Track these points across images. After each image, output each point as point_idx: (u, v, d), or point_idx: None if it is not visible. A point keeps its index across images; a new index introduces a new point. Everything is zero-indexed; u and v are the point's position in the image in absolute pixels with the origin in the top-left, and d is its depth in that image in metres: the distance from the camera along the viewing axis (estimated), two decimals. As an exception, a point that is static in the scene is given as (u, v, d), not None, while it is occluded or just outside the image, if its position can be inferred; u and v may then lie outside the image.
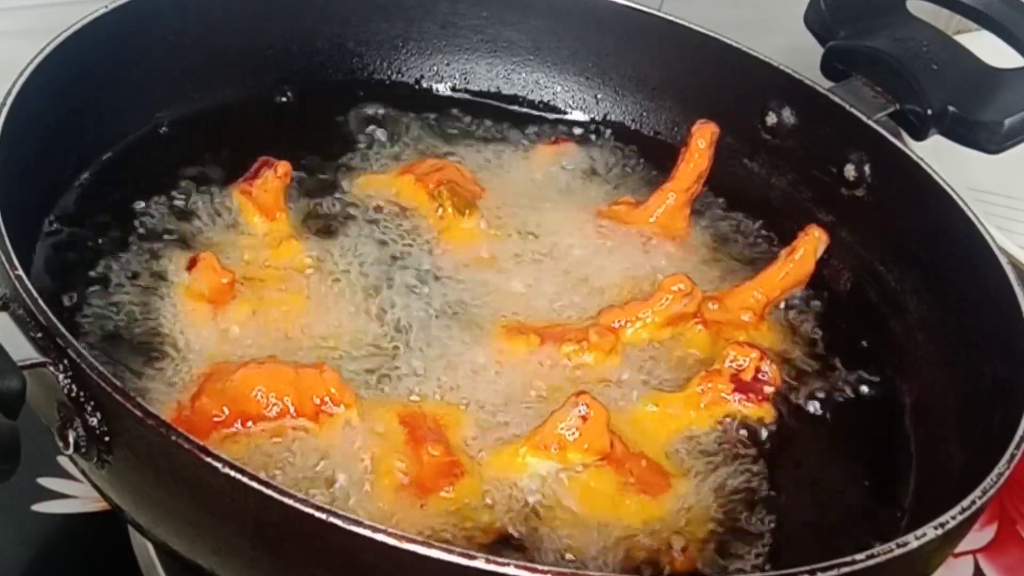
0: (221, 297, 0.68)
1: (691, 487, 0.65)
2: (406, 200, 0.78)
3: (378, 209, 0.77)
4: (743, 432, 0.69)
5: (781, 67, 0.86)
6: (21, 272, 0.56)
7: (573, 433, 0.62)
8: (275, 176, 0.74)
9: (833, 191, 0.83)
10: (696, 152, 0.81)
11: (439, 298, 0.72)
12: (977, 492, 0.57)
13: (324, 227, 0.75)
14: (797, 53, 0.87)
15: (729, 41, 0.87)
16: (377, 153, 0.82)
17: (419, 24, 0.90)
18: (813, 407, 0.72)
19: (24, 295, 0.55)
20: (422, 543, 0.48)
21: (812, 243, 0.77)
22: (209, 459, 0.49)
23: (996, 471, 0.59)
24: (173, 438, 0.50)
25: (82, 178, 0.74)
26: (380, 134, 0.84)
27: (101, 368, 0.52)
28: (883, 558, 0.53)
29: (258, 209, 0.74)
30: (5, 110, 0.65)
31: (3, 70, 0.67)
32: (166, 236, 0.72)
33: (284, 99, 0.85)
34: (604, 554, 0.60)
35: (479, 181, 0.81)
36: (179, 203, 0.75)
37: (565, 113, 0.92)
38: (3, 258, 0.57)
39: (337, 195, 0.78)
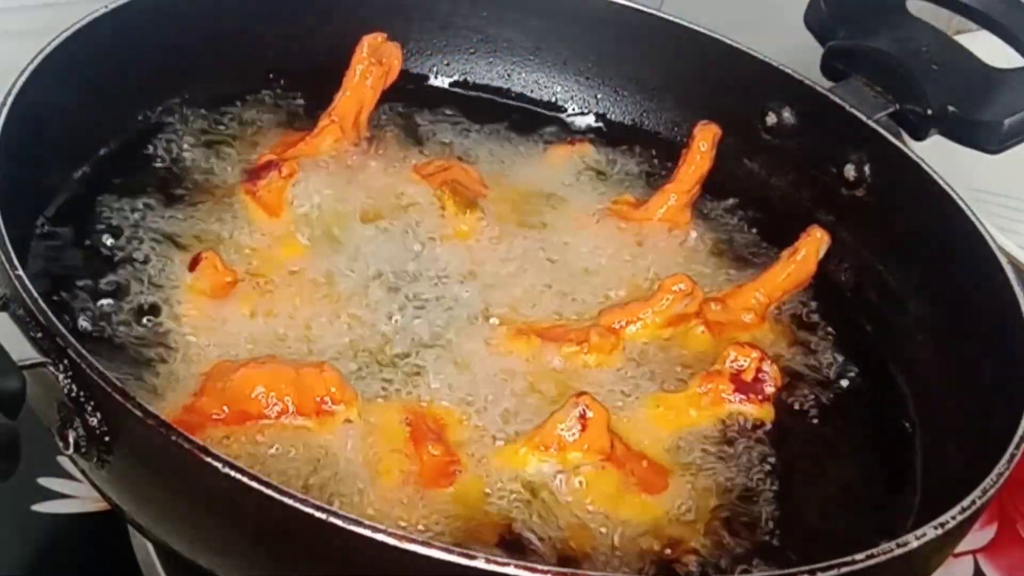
0: (223, 296, 0.68)
1: (692, 487, 0.65)
2: (410, 200, 0.78)
3: (382, 209, 0.77)
4: (744, 432, 0.69)
5: (781, 67, 0.86)
6: (21, 272, 0.56)
7: (573, 434, 0.62)
8: (279, 176, 0.74)
9: (833, 191, 0.84)
10: (698, 154, 0.81)
11: (441, 298, 0.72)
12: (977, 492, 0.57)
13: (328, 226, 0.75)
14: (797, 53, 0.87)
15: (729, 41, 0.87)
16: (379, 153, 0.82)
17: (419, 24, 0.90)
18: (813, 407, 0.72)
19: (24, 295, 0.55)
20: (422, 543, 0.48)
21: (814, 244, 0.77)
22: (209, 459, 0.49)
23: (996, 471, 0.59)
24: (173, 438, 0.50)
25: (83, 177, 0.74)
26: (381, 134, 0.84)
27: (101, 368, 0.52)
28: (883, 558, 0.53)
29: (262, 208, 0.74)
30: (5, 110, 0.65)
31: (3, 70, 0.67)
32: (168, 235, 0.72)
33: (284, 98, 0.85)
34: (604, 554, 0.60)
35: (485, 181, 0.81)
36: (181, 202, 0.75)
37: (565, 113, 0.92)
38: (3, 258, 0.57)
39: (340, 195, 0.78)
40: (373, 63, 0.80)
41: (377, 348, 0.68)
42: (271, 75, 0.85)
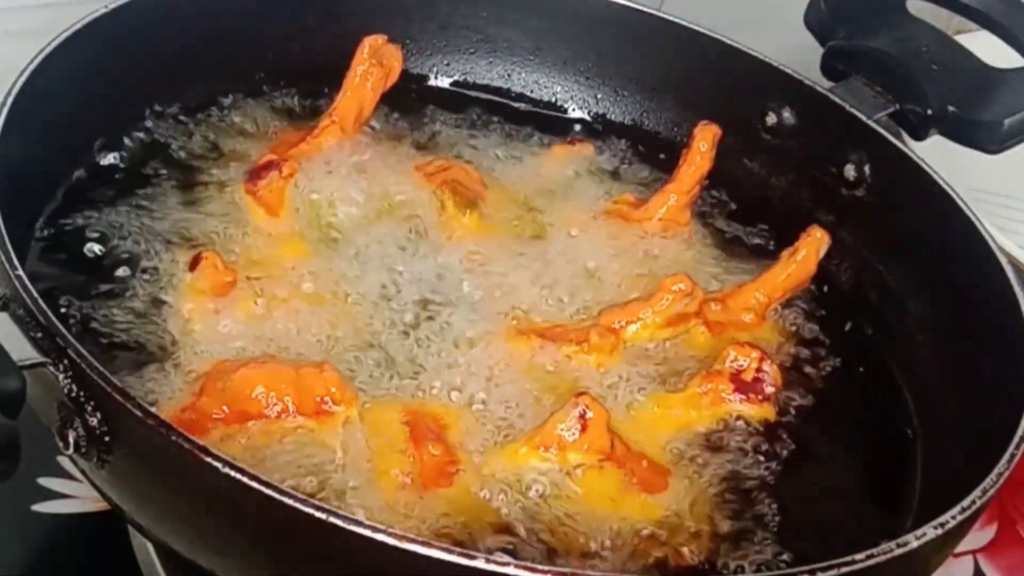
0: (223, 296, 0.68)
1: (692, 487, 0.65)
2: (410, 200, 0.78)
3: (382, 208, 0.77)
4: (744, 432, 0.69)
5: (781, 67, 0.86)
6: (21, 272, 0.56)
7: (573, 434, 0.62)
8: (280, 176, 0.74)
9: (833, 191, 0.84)
10: (698, 154, 0.81)
11: (441, 298, 0.72)
12: (977, 492, 0.57)
13: (328, 226, 0.75)
14: (797, 53, 0.87)
15: (729, 41, 0.87)
16: (379, 153, 0.82)
17: (419, 24, 0.90)
18: (813, 407, 0.72)
19: (24, 295, 0.55)
20: (422, 543, 0.48)
21: (814, 244, 0.77)
22: (209, 459, 0.49)
23: (996, 471, 0.59)
24: (173, 438, 0.50)
25: (83, 177, 0.74)
26: (379, 134, 0.84)
27: (101, 368, 0.52)
28: (883, 558, 0.53)
29: (263, 208, 0.74)
30: (5, 110, 0.65)
31: (3, 70, 0.67)
32: (168, 235, 0.72)
33: (285, 98, 0.85)
34: (604, 554, 0.60)
35: (484, 181, 0.81)
36: (181, 202, 0.75)
37: (565, 113, 0.92)
38: (3, 258, 0.57)
39: (341, 194, 0.78)
40: (374, 64, 0.80)
41: (377, 348, 0.68)
42: (271, 75, 0.85)
